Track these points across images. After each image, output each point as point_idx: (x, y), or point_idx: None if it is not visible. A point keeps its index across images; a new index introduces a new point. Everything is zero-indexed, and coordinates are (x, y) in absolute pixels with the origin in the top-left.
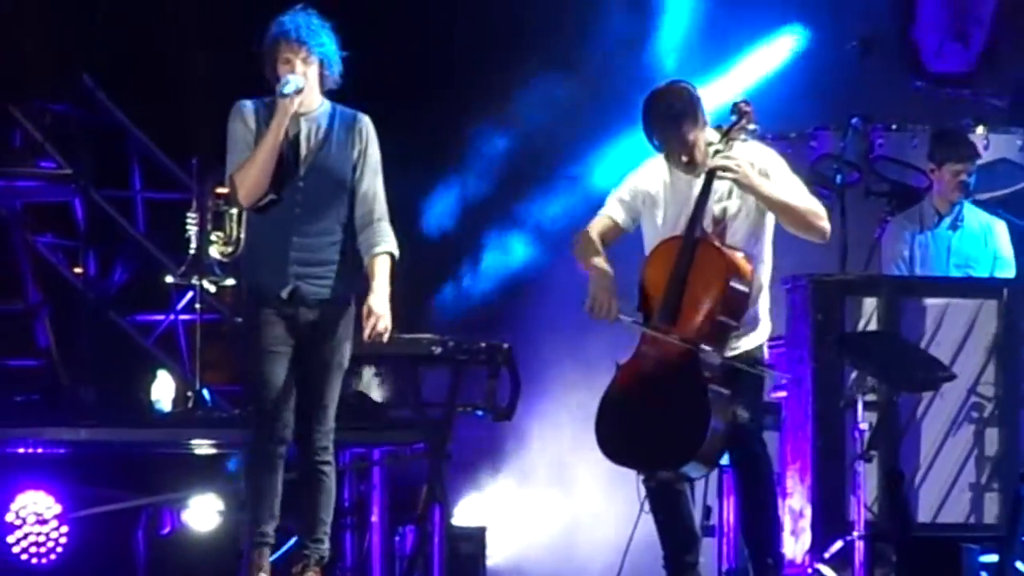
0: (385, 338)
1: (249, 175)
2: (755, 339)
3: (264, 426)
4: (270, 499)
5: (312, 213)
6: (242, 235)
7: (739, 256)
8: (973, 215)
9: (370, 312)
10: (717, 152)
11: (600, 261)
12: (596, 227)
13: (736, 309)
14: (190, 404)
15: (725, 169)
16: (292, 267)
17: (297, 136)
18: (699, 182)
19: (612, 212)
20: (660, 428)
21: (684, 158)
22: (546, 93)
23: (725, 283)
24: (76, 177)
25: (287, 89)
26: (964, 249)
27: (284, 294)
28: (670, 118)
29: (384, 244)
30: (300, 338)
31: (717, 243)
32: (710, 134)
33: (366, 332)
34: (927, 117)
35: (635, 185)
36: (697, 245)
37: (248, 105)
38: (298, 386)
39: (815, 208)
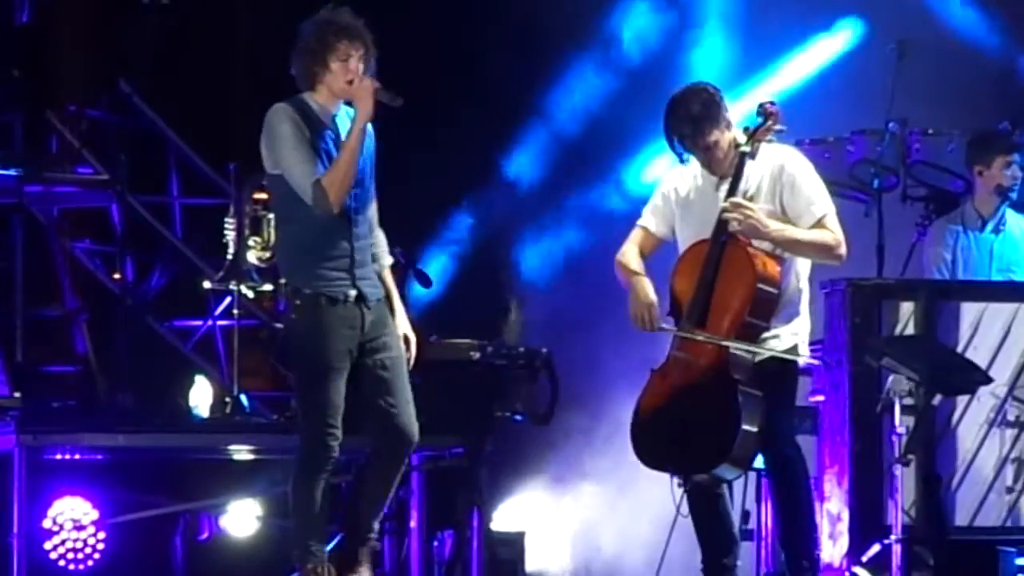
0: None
1: (341, 179)
2: (789, 339)
3: (320, 441)
4: (324, 513)
5: (363, 214)
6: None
7: (767, 257)
8: (1014, 219)
9: (406, 337)
10: (743, 154)
11: (637, 275)
12: (633, 241)
13: (765, 310)
14: (228, 409)
15: (730, 220)
16: (356, 270)
17: (339, 136)
18: (726, 184)
19: (646, 222)
20: (692, 431)
21: (707, 161)
22: (586, 93)
23: (753, 284)
24: (113, 183)
25: (397, 102)
26: (1006, 253)
27: (351, 297)
28: (689, 121)
29: (389, 254)
30: (362, 343)
31: (744, 244)
32: (737, 135)
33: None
34: (963, 121)
35: (665, 191)
36: (725, 247)
37: (289, 107)
38: (374, 386)
39: (826, 240)
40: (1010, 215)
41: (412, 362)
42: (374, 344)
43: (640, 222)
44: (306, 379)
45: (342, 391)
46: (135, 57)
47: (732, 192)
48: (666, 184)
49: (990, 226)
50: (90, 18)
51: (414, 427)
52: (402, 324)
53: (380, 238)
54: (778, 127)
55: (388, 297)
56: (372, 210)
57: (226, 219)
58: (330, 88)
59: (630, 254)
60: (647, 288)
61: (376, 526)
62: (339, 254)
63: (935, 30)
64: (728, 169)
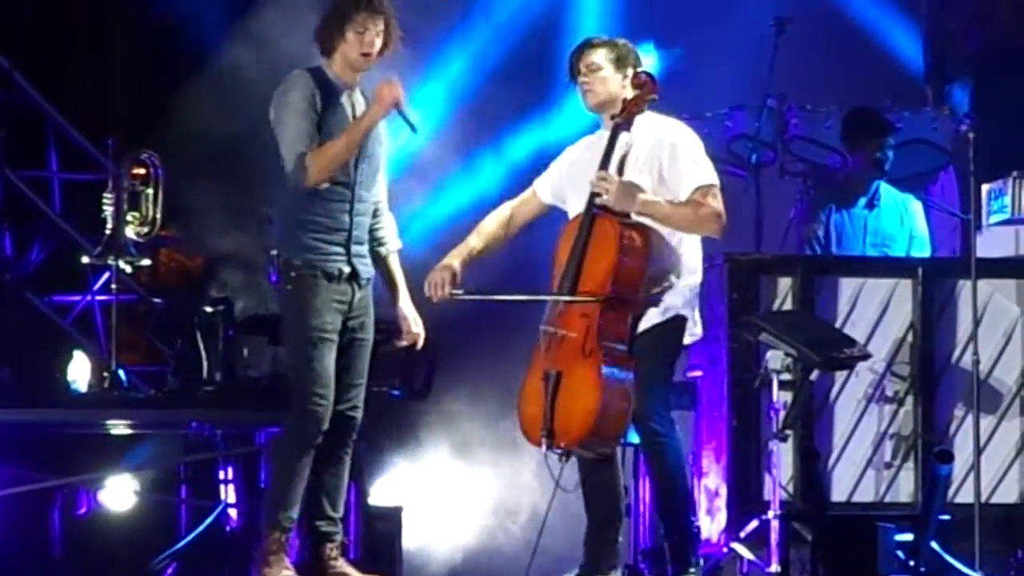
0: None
1: (328, 162)
2: (663, 313)
3: (312, 412)
4: (302, 485)
5: (367, 190)
6: (158, 215)
7: (635, 230)
8: (889, 194)
9: (408, 320)
10: (616, 124)
11: (451, 255)
12: (513, 200)
13: (632, 283)
14: (106, 384)
15: (598, 193)
16: (352, 245)
17: (354, 112)
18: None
19: (536, 185)
20: (561, 405)
21: (582, 87)
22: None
23: (615, 255)
24: None
25: (413, 129)
26: (881, 228)
27: (345, 272)
28: (587, 41)
29: (397, 239)
30: (346, 319)
31: (613, 217)
32: (626, 94)
33: (406, 341)
34: (841, 97)
35: (561, 161)
36: (594, 220)
37: (309, 77)
38: (339, 362)
39: (701, 213)
40: (885, 190)
41: (421, 344)
42: (352, 323)
43: (535, 182)
44: (298, 351)
45: (332, 361)
46: (14, 31)
47: (604, 163)
48: (564, 154)
49: (863, 201)
50: None
51: (360, 411)
52: (405, 307)
53: (389, 221)
54: (651, 97)
55: (392, 282)
56: (381, 190)
57: (104, 194)
58: (345, 57)
59: (495, 214)
60: (454, 256)
61: (339, 513)
62: (337, 227)
63: (814, 5)
64: (607, 118)
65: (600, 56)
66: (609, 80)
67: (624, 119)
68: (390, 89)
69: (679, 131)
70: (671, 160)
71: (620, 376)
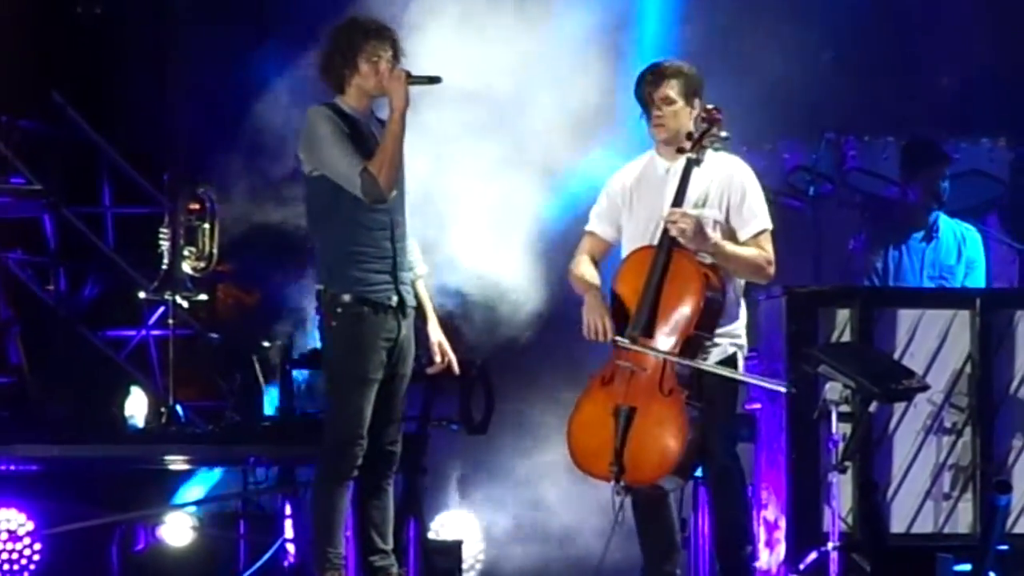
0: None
1: (388, 162)
2: (728, 348)
3: (348, 453)
4: (343, 519)
5: (401, 215)
6: (214, 250)
7: (711, 267)
8: (947, 226)
9: (438, 345)
10: (690, 160)
11: (590, 287)
12: (583, 250)
13: (711, 321)
14: (163, 420)
15: (672, 227)
16: (398, 272)
17: (374, 135)
18: (673, 181)
19: (593, 227)
20: (634, 441)
21: (655, 118)
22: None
23: (701, 295)
24: (45, 193)
25: (436, 81)
26: (939, 260)
27: (393, 302)
28: (658, 68)
29: (423, 263)
30: (391, 351)
31: (690, 253)
32: (694, 127)
33: (437, 367)
34: (898, 129)
35: (610, 191)
36: (671, 255)
37: (327, 110)
38: (380, 397)
39: (760, 259)
40: (944, 222)
41: (449, 367)
42: (398, 356)
43: (588, 227)
44: (340, 388)
45: (372, 401)
46: (68, 67)
47: (679, 198)
48: (610, 184)
49: (921, 234)
50: (22, 27)
51: (399, 444)
52: (434, 332)
53: (414, 246)
54: (723, 134)
55: (421, 307)
56: (406, 215)
57: (160, 229)
58: (361, 89)
59: (583, 263)
60: (600, 300)
61: (389, 545)
62: (382, 255)
63: (871, 35)
64: (671, 151)
65: (674, 89)
66: (680, 113)
67: (697, 155)
68: (392, 76)
69: (746, 170)
70: (741, 200)
71: (695, 414)
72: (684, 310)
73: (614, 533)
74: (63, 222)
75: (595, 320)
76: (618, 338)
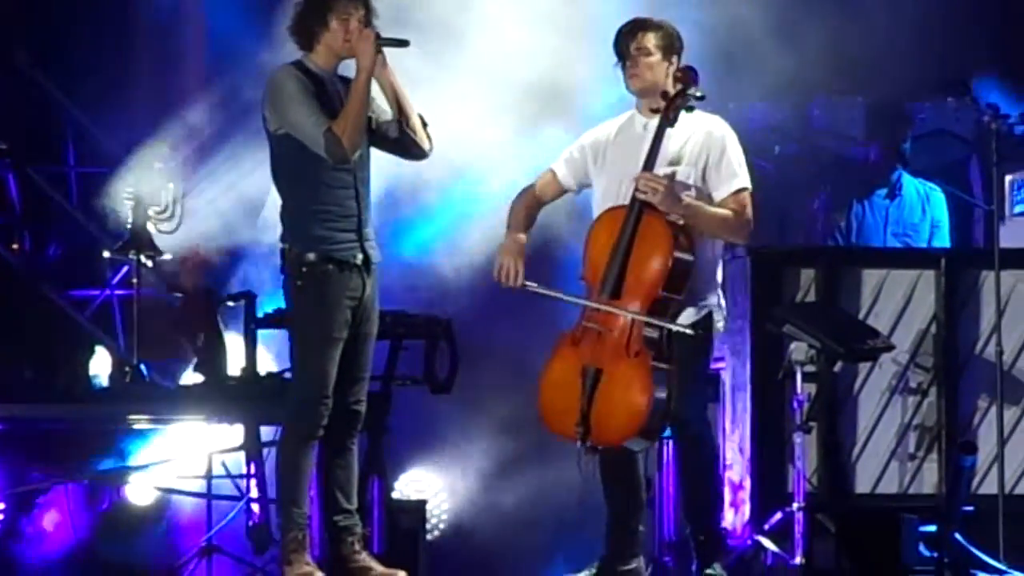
0: None
1: (352, 123)
2: (701, 311)
3: (314, 412)
4: (308, 480)
5: (365, 174)
6: (179, 210)
7: (683, 228)
8: (911, 184)
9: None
10: (663, 120)
11: (515, 228)
12: (535, 184)
13: (679, 283)
14: (127, 379)
15: (641, 193)
16: (363, 230)
17: (339, 95)
18: (648, 136)
19: (556, 167)
20: (602, 402)
21: (629, 69)
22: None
23: (669, 256)
24: (8, 152)
25: (403, 43)
26: (903, 218)
27: (358, 260)
28: (638, 21)
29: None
30: (356, 310)
31: (661, 215)
32: (669, 85)
33: None
34: (863, 89)
35: (584, 142)
36: (640, 216)
37: (292, 69)
38: (347, 355)
39: (736, 219)
40: (907, 180)
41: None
42: (362, 315)
43: (552, 165)
44: (305, 347)
45: (337, 360)
46: (30, 27)
47: (650, 160)
48: (586, 136)
49: (884, 191)
50: None
51: (364, 404)
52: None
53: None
54: (698, 93)
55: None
56: (371, 173)
57: (125, 189)
58: (329, 47)
59: (524, 198)
60: (519, 242)
61: (354, 505)
62: (347, 214)
63: None
64: (654, 111)
65: (651, 40)
66: (656, 67)
67: (671, 116)
68: (361, 36)
69: (726, 129)
70: (719, 158)
71: (663, 377)
72: (652, 271)
73: (581, 491)
74: (27, 181)
75: (508, 262)
76: (528, 282)
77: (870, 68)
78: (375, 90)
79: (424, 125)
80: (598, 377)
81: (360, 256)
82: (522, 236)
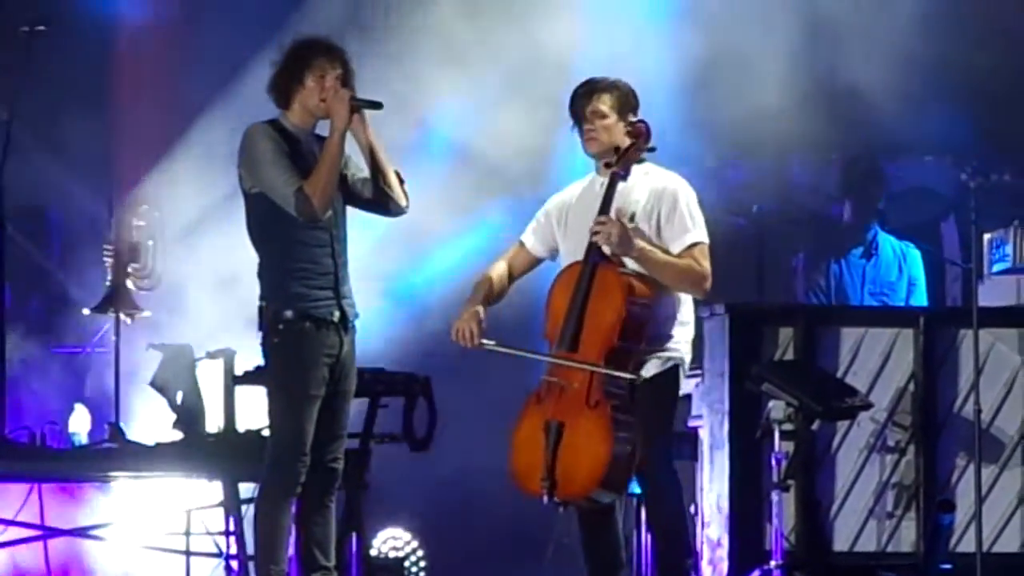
0: None
1: (324, 184)
2: (664, 363)
3: (292, 470)
4: (286, 537)
5: (342, 230)
6: (159, 267)
7: (637, 279)
8: (887, 242)
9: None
10: (614, 174)
11: (473, 301)
12: (504, 256)
13: (636, 332)
14: (107, 436)
15: (596, 238)
16: (340, 287)
17: (314, 154)
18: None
19: (524, 238)
20: (566, 456)
21: (585, 133)
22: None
23: (622, 307)
24: None
25: (377, 107)
26: (879, 277)
27: (335, 317)
28: (592, 83)
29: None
30: (333, 367)
31: (614, 266)
32: (624, 143)
33: None
34: (842, 146)
35: (549, 208)
36: (595, 269)
37: (266, 127)
38: (324, 413)
39: (692, 270)
40: (883, 239)
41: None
42: (340, 373)
43: (521, 237)
44: (283, 405)
45: (315, 418)
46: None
47: (604, 207)
48: (549, 202)
49: (860, 250)
50: None
51: (342, 461)
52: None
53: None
54: (647, 147)
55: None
56: (347, 230)
57: (104, 246)
58: (304, 105)
59: (494, 269)
60: (476, 314)
61: (331, 562)
62: (323, 271)
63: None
64: (602, 165)
65: (606, 102)
66: (612, 128)
67: (622, 168)
68: (336, 96)
69: (679, 184)
70: (670, 212)
71: (625, 428)
72: (607, 321)
73: (552, 550)
74: (8, 239)
75: (462, 325)
76: (485, 340)
77: (848, 125)
78: (353, 147)
79: (401, 182)
80: (560, 431)
81: (337, 313)
82: (480, 308)
